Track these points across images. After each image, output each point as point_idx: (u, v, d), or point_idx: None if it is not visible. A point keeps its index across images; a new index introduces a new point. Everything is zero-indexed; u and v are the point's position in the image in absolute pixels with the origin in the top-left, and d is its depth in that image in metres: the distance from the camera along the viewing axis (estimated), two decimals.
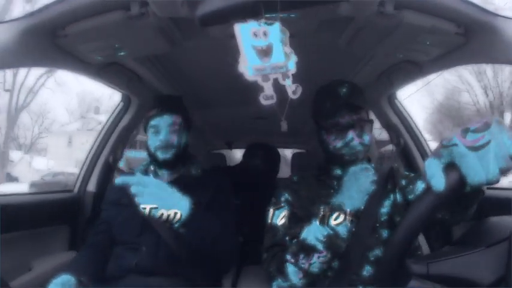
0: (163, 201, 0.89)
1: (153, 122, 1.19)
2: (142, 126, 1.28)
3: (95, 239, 1.18)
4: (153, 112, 1.20)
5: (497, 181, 0.50)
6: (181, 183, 1.14)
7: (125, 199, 1.11)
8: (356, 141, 0.98)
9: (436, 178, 0.52)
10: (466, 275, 0.62)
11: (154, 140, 1.18)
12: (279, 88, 0.66)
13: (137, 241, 1.10)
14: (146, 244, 1.08)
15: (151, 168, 1.26)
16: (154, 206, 0.88)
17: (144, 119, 1.25)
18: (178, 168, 1.24)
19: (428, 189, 0.54)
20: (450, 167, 0.52)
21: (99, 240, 1.17)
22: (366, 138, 1.00)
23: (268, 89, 0.65)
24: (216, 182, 1.25)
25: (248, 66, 0.63)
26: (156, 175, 1.24)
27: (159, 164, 1.21)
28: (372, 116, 1.81)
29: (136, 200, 0.88)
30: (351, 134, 0.98)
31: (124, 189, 1.13)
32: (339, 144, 1.00)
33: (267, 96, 0.65)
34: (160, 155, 1.17)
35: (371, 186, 0.93)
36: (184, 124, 1.23)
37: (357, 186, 0.91)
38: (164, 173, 1.24)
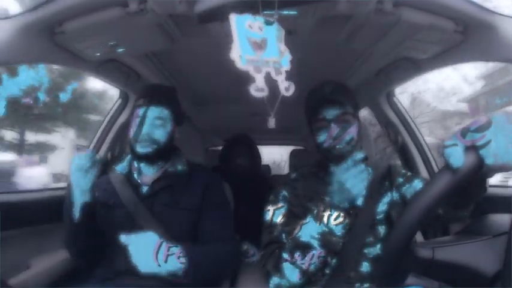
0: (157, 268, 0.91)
1: (138, 112, 1.12)
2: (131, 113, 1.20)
3: None
4: (141, 101, 1.13)
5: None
6: (167, 182, 1.14)
7: (113, 200, 1.12)
8: (343, 137, 1.01)
9: (455, 156, 0.53)
10: (471, 263, 0.62)
11: (136, 132, 1.11)
12: (272, 84, 0.66)
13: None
14: None
15: (135, 165, 1.19)
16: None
17: (132, 107, 1.19)
18: (161, 164, 1.18)
19: (445, 167, 0.55)
20: (469, 148, 0.53)
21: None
22: (352, 130, 1.03)
23: (260, 81, 0.64)
24: (206, 179, 1.19)
25: (241, 55, 0.63)
26: (139, 173, 1.18)
27: (138, 158, 1.14)
28: (369, 113, 1.81)
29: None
30: (336, 129, 1.01)
31: (110, 190, 1.14)
32: (326, 140, 1.03)
33: (258, 88, 0.64)
34: (140, 149, 1.10)
35: (364, 180, 0.89)
36: (172, 118, 1.16)
37: (350, 182, 0.88)
38: (148, 170, 1.17)
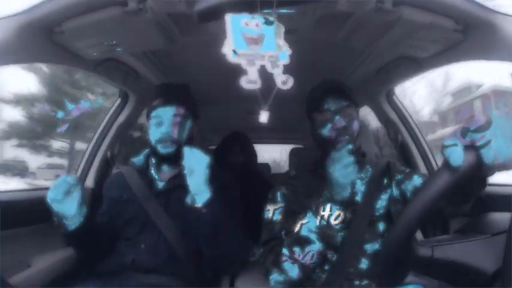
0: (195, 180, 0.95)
1: (155, 113, 1.12)
2: (146, 115, 1.20)
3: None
4: (156, 102, 1.13)
5: None
6: (184, 180, 1.12)
7: (126, 195, 1.13)
8: (347, 130, 1.02)
9: (455, 154, 0.53)
10: (470, 262, 0.62)
11: (155, 132, 1.11)
12: (268, 79, 0.66)
13: (138, 238, 1.08)
14: (145, 242, 1.07)
15: (153, 161, 1.20)
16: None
17: (147, 109, 1.18)
18: (180, 162, 1.14)
19: (445, 165, 0.56)
20: (469, 146, 0.54)
21: (100, 229, 1.14)
22: (354, 124, 1.04)
23: (252, 73, 0.64)
24: (220, 177, 1.17)
25: (234, 49, 0.64)
26: (157, 169, 1.19)
27: (160, 158, 1.15)
28: (370, 112, 1.81)
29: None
30: (340, 121, 1.02)
31: (123, 185, 1.15)
32: (330, 132, 1.03)
33: (250, 80, 0.64)
34: (161, 149, 1.11)
35: (353, 170, 0.93)
36: (189, 115, 1.16)
37: (339, 172, 0.91)
38: (166, 167, 1.18)
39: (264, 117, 0.74)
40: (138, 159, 1.23)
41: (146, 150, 1.24)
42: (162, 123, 1.11)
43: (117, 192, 1.17)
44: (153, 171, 1.19)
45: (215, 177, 1.14)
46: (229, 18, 0.65)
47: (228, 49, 0.63)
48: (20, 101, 11.42)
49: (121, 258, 1.07)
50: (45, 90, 11.23)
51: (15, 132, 11.51)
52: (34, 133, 11.48)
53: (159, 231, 1.07)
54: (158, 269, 1.04)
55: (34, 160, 12.78)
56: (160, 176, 1.18)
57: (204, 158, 0.97)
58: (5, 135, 11.62)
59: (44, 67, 11.01)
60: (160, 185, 1.16)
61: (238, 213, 1.13)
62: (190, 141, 1.17)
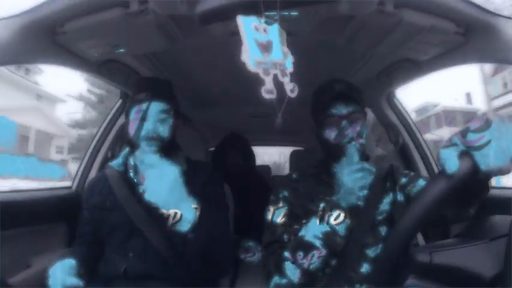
0: (167, 201, 0.86)
1: (139, 107, 1.05)
2: (125, 110, 1.13)
3: (83, 240, 1.13)
4: (142, 96, 1.05)
5: (509, 171, 0.52)
6: None
7: (109, 202, 1.08)
8: (357, 141, 0.99)
9: (450, 161, 0.54)
10: (469, 267, 0.62)
11: (139, 128, 1.04)
12: (277, 85, 0.65)
13: (124, 246, 1.04)
14: (133, 250, 1.03)
15: (131, 163, 1.12)
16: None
17: (129, 102, 1.11)
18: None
19: (440, 173, 0.56)
20: (464, 154, 0.54)
21: (87, 241, 1.11)
22: (364, 133, 1.01)
23: (269, 83, 0.64)
24: (205, 175, 1.14)
25: (250, 57, 0.63)
26: (136, 172, 1.12)
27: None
28: (370, 114, 1.81)
29: (145, 195, 0.86)
30: (347, 127, 0.99)
31: (105, 191, 1.10)
32: (336, 138, 1.01)
33: (268, 90, 0.62)
34: (145, 147, 1.03)
35: (367, 183, 0.90)
36: (173, 112, 1.10)
37: (353, 183, 0.89)
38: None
39: (278, 124, 0.73)
40: (117, 163, 1.16)
41: (124, 151, 1.18)
42: (147, 118, 1.04)
43: (100, 198, 1.11)
44: (132, 174, 1.12)
45: (203, 171, 1.11)
46: (241, 21, 0.64)
47: (246, 57, 0.62)
48: (76, 124, 15.68)
49: (111, 269, 1.03)
50: (98, 116, 14.22)
51: (75, 148, 15.56)
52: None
53: (145, 238, 1.02)
54: (152, 274, 1.01)
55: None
56: (139, 179, 1.10)
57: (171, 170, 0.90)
58: (69, 151, 15.62)
59: (93, 97, 14.66)
60: (142, 189, 1.07)
61: (223, 214, 1.11)
62: (173, 141, 1.12)
